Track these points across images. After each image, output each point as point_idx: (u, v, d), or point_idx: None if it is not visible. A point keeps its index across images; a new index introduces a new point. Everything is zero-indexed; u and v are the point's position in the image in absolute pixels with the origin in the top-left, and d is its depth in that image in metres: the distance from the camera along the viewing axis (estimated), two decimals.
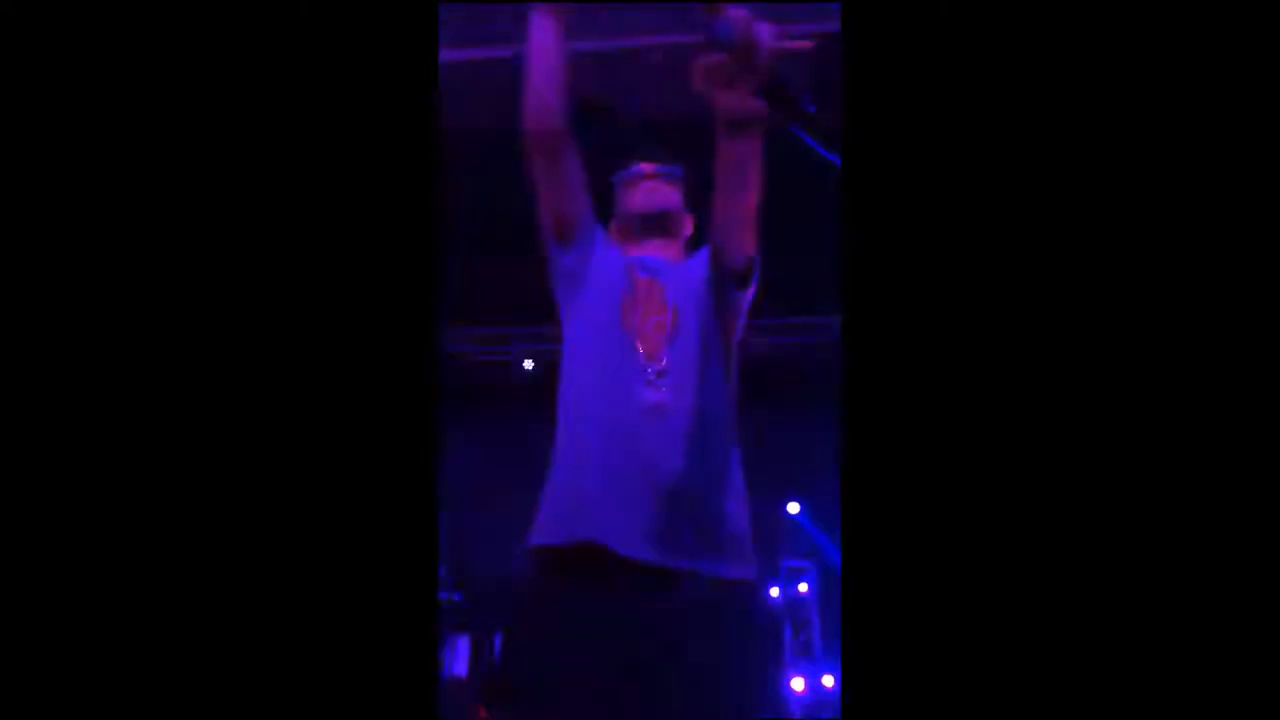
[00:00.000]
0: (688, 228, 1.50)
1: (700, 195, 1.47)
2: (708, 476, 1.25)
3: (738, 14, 1.04)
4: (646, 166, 1.46)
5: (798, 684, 5.82)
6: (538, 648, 1.17)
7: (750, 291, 1.40)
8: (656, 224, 1.45)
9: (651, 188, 1.45)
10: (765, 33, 1.04)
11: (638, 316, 1.33)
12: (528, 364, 5.60)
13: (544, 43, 1.30)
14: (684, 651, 1.13)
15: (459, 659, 5.26)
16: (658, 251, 1.45)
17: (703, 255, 1.42)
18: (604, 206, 1.53)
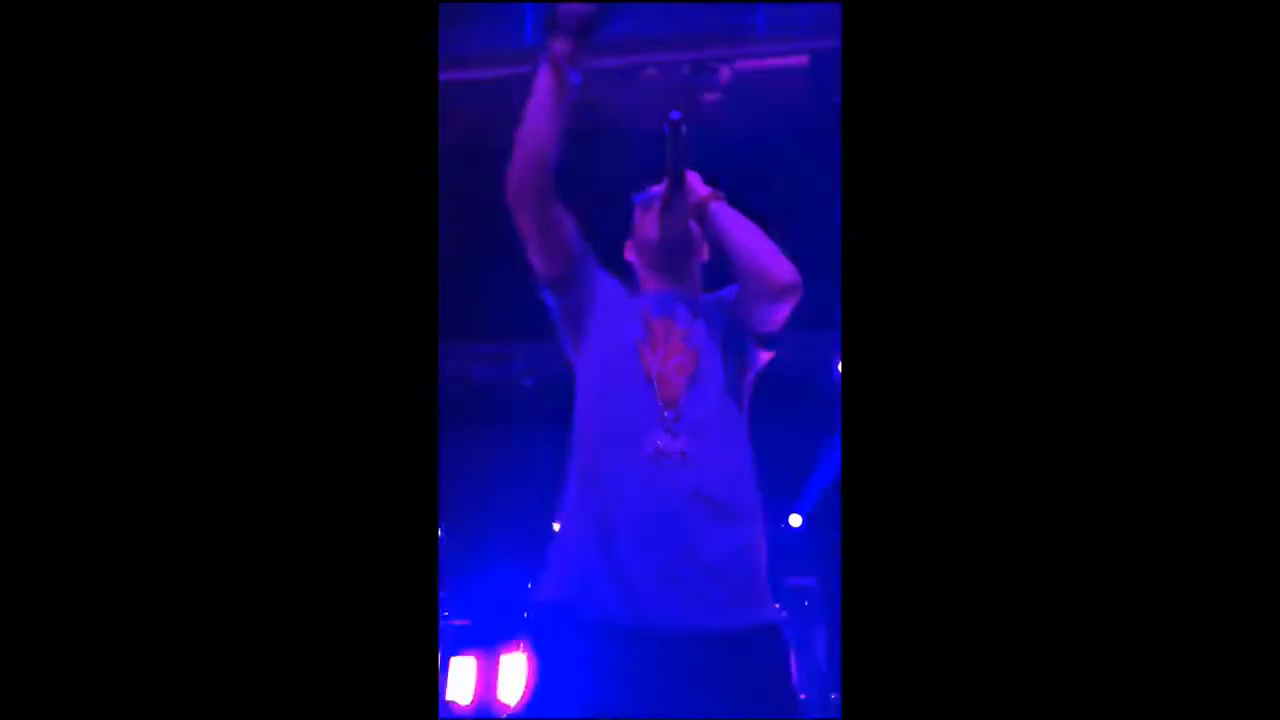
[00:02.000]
0: (704, 254, 1.49)
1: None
2: (731, 522, 1.21)
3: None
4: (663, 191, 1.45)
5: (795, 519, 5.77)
6: (552, 701, 1.13)
7: (771, 354, 1.41)
8: (672, 251, 1.44)
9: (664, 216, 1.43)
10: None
11: (657, 359, 1.30)
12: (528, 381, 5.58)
13: (545, 101, 1.28)
14: (714, 701, 1.10)
15: (465, 681, 5.23)
16: (674, 281, 1.44)
17: (727, 293, 1.42)
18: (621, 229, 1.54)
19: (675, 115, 1.29)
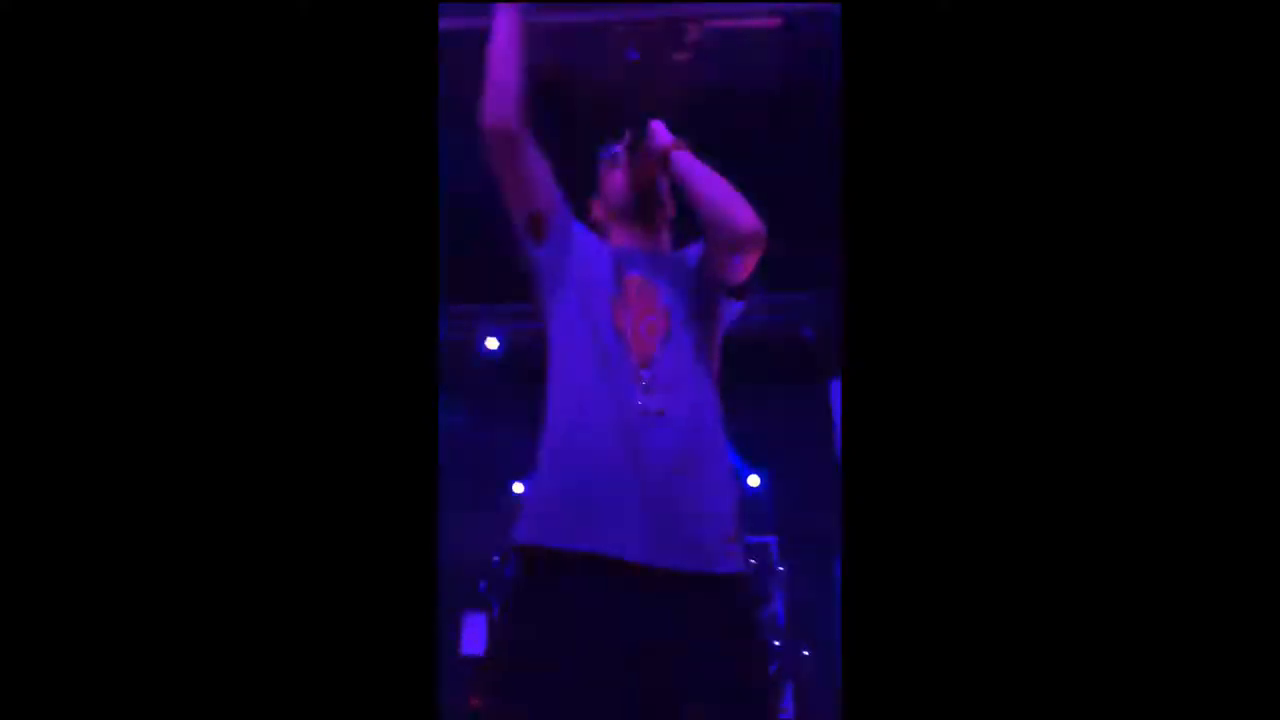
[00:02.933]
0: (671, 211, 1.49)
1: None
2: (703, 477, 1.24)
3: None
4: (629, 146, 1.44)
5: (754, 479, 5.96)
6: (530, 644, 1.15)
7: (744, 304, 1.40)
8: (639, 204, 1.44)
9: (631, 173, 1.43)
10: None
11: (630, 318, 1.31)
12: (491, 343, 5.55)
13: (506, 38, 1.30)
14: (680, 650, 1.13)
15: (476, 638, 5.27)
16: (642, 238, 1.44)
17: (694, 250, 1.42)
18: (587, 186, 1.52)
19: (633, 55, 1.29)
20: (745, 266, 1.34)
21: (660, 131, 1.38)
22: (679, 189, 1.35)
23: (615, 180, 1.45)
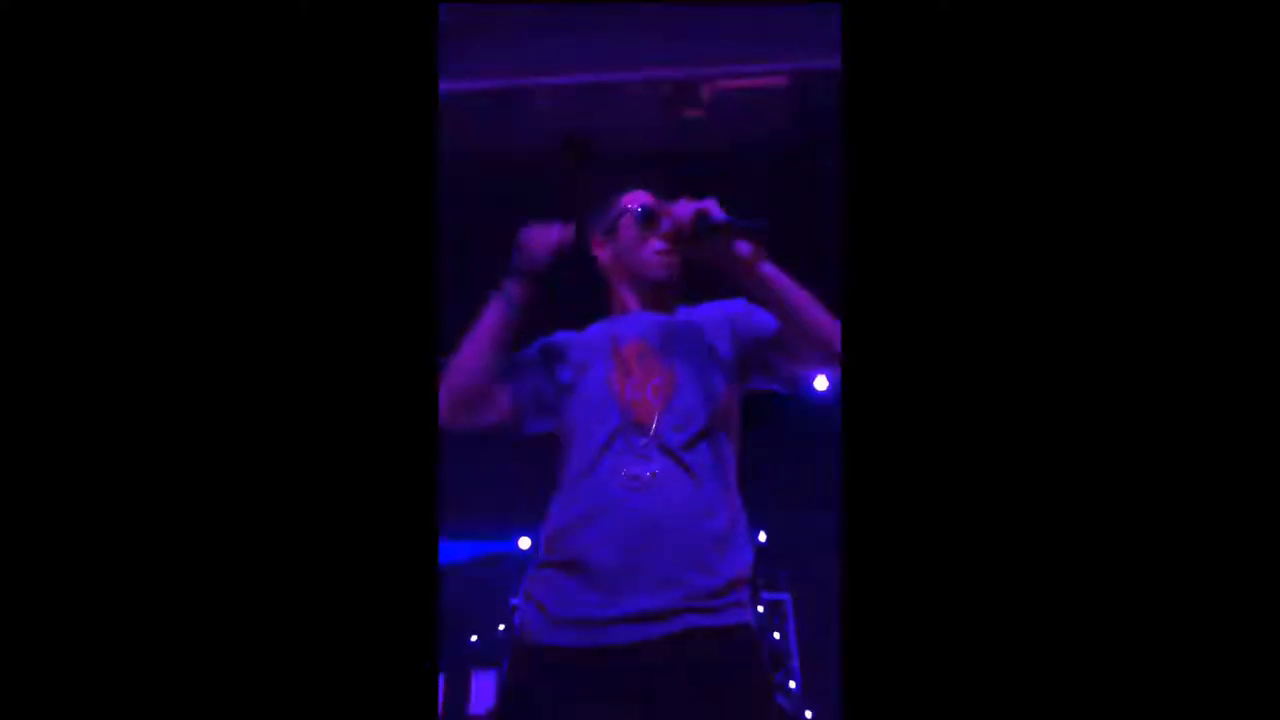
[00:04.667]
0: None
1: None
2: (713, 531, 1.22)
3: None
4: (687, 230, 1.41)
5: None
6: (532, 710, 1.14)
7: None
8: (667, 290, 1.44)
9: (674, 252, 1.41)
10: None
11: (631, 386, 1.30)
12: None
13: (495, 325, 1.31)
14: (690, 704, 1.11)
15: (484, 695, 5.15)
16: (647, 300, 1.44)
17: (711, 308, 1.41)
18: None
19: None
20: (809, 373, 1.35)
21: (741, 247, 1.26)
22: (769, 301, 1.29)
23: (647, 248, 1.42)
